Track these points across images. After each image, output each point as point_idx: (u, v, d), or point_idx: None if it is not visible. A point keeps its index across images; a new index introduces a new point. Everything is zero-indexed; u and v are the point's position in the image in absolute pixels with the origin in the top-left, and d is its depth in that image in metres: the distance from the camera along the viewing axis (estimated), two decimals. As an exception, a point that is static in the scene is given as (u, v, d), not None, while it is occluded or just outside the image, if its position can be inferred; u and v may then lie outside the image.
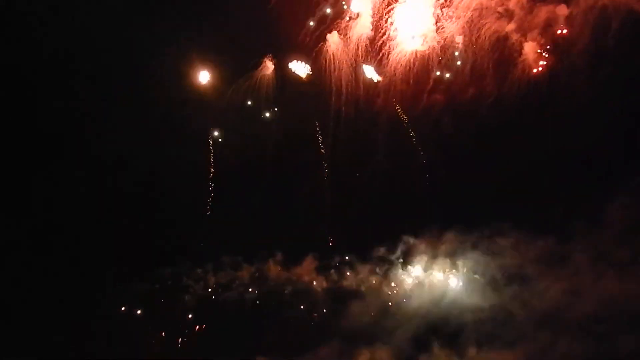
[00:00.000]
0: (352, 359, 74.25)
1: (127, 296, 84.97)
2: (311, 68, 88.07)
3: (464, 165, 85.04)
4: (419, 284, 79.75)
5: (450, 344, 73.07)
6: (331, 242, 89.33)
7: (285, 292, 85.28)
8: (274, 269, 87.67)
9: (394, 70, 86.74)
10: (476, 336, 72.33)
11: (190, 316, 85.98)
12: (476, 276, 76.53)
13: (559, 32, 79.95)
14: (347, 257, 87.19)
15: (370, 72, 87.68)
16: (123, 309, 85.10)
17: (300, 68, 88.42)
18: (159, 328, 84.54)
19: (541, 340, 68.29)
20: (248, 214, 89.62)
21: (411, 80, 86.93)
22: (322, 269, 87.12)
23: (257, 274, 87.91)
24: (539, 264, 73.26)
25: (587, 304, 67.15)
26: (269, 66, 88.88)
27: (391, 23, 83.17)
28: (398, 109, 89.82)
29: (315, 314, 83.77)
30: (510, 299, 73.22)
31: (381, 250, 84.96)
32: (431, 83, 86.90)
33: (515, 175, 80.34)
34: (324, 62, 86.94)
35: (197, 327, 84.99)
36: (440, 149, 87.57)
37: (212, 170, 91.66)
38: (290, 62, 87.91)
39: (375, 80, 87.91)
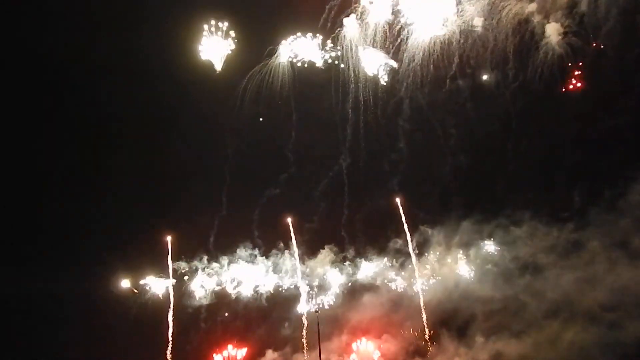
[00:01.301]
0: (358, 349, 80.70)
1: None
2: (328, 54, 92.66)
3: (484, 152, 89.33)
4: (433, 275, 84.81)
5: (459, 335, 78.72)
6: (347, 234, 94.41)
7: (299, 285, 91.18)
8: (289, 262, 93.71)
9: (414, 56, 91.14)
10: (485, 326, 77.71)
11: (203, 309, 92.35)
12: (489, 267, 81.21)
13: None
14: (362, 249, 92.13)
15: (388, 58, 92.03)
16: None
17: (317, 54, 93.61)
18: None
19: (550, 330, 73.24)
20: (263, 206, 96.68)
21: (431, 66, 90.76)
22: (337, 261, 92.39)
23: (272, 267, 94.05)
24: (553, 252, 77.46)
25: (600, 293, 71.54)
26: (284, 53, 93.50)
27: (410, 7, 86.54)
28: (418, 95, 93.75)
29: (326, 306, 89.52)
30: (522, 290, 77.60)
31: (398, 242, 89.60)
32: (453, 69, 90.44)
33: (534, 163, 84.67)
34: (342, 48, 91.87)
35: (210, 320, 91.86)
36: (462, 137, 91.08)
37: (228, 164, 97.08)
38: (307, 48, 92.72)
39: (394, 66, 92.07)
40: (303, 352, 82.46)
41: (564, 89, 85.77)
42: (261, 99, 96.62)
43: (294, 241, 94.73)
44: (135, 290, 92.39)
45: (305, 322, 79.50)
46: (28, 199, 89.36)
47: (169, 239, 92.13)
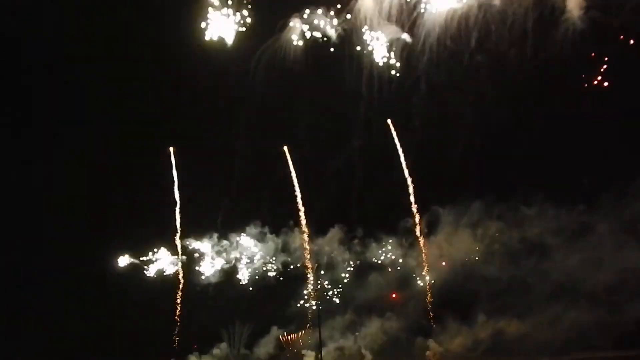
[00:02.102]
0: (364, 329, 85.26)
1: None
2: (342, 28, 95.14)
3: (499, 132, 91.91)
4: (439, 255, 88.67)
5: (462, 315, 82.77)
6: (357, 213, 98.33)
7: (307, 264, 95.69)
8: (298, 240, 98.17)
9: (430, 31, 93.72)
10: (489, 307, 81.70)
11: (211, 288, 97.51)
12: (497, 247, 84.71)
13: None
14: (372, 229, 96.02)
15: (403, 33, 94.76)
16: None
17: (330, 28, 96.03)
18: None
19: (552, 311, 76.90)
20: (275, 184, 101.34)
21: (448, 41, 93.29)
22: (346, 241, 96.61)
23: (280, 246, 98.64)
24: (561, 234, 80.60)
25: (604, 275, 74.84)
26: (296, 27, 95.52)
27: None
28: (433, 72, 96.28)
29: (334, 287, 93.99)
30: (528, 271, 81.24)
31: (409, 222, 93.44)
32: (470, 45, 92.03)
33: (549, 143, 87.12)
34: (356, 22, 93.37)
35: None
36: (477, 116, 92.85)
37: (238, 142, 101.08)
38: (319, 21, 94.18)
39: (409, 42, 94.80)
40: (307, 329, 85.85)
41: (586, 85, 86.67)
42: (273, 75, 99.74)
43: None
44: (145, 268, 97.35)
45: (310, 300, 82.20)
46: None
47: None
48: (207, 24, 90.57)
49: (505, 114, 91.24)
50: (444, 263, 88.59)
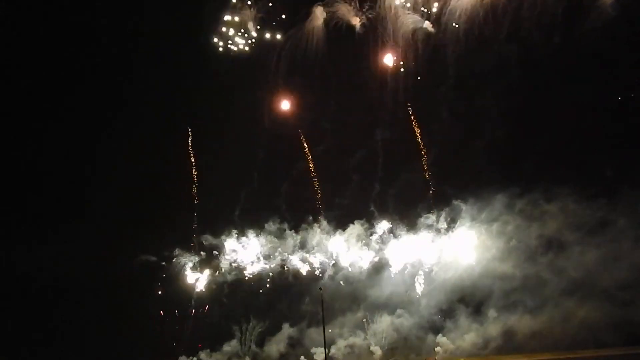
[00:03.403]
0: (373, 325, 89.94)
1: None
2: (365, 16, 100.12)
3: (523, 124, 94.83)
4: (457, 252, 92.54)
5: (475, 311, 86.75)
6: (378, 208, 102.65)
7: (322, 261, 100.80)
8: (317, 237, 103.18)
9: (456, 17, 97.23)
10: (502, 303, 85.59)
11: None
12: (515, 242, 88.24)
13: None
14: (392, 225, 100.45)
15: (427, 22, 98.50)
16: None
17: (354, 16, 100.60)
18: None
19: (564, 308, 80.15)
20: (297, 179, 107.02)
21: (475, 30, 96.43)
22: (365, 237, 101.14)
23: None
24: (580, 229, 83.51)
25: (619, 272, 77.76)
26: (319, 16, 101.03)
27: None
28: (459, 61, 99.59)
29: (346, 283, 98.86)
30: (543, 267, 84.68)
31: (430, 217, 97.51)
32: (496, 33, 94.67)
33: (572, 136, 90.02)
34: (380, 9, 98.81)
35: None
36: (502, 107, 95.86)
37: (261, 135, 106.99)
38: (342, 10, 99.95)
39: (432, 31, 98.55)
40: (318, 326, 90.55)
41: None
42: (296, 65, 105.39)
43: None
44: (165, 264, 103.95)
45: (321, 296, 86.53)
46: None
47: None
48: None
49: (532, 105, 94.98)
50: (461, 259, 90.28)
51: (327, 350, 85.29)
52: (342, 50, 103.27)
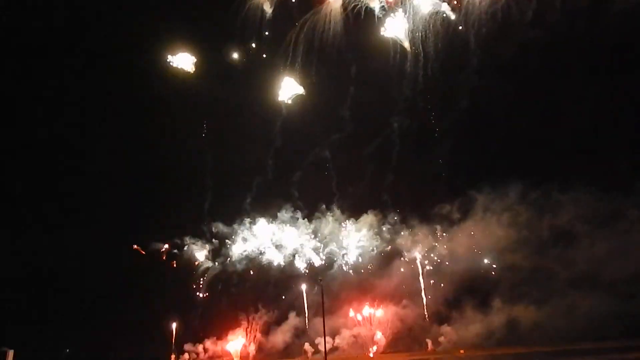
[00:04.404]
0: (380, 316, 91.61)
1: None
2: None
3: (542, 112, 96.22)
4: (467, 243, 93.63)
5: (481, 302, 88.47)
6: (391, 198, 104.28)
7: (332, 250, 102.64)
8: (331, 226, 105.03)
9: (477, 4, 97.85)
10: (509, 294, 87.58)
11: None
12: (526, 233, 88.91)
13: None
14: (406, 215, 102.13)
15: (444, 5, 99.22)
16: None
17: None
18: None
19: (568, 299, 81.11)
20: (311, 168, 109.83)
21: (497, 17, 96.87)
22: (378, 226, 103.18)
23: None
24: (592, 221, 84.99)
25: (628, 264, 78.54)
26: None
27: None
28: (479, 50, 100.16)
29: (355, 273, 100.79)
30: (553, 258, 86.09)
31: (444, 207, 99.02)
32: (523, 21, 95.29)
33: (593, 126, 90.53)
34: None
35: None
36: (521, 97, 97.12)
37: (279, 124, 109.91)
38: None
39: (452, 17, 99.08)
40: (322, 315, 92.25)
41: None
42: (313, 50, 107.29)
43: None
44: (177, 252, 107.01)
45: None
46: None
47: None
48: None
49: (553, 95, 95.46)
50: (471, 249, 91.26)
51: (332, 340, 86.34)
52: (360, 35, 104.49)
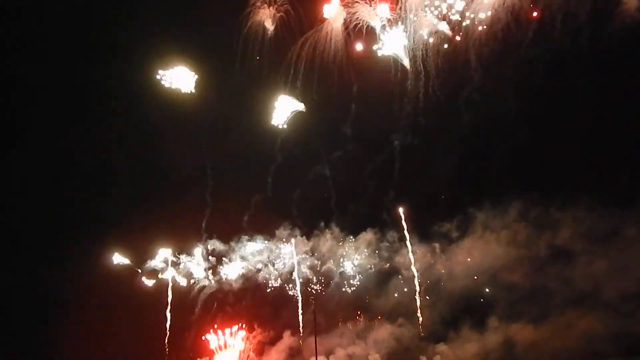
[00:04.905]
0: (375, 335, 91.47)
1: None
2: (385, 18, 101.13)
3: (544, 131, 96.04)
4: (466, 262, 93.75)
5: (477, 321, 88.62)
6: (390, 217, 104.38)
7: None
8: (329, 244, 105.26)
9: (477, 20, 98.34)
10: (506, 313, 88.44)
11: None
12: (524, 252, 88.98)
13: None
14: (405, 234, 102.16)
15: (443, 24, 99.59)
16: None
17: (374, 18, 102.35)
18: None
19: (565, 319, 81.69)
20: (311, 185, 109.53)
21: (498, 33, 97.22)
22: (376, 244, 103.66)
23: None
24: (591, 239, 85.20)
25: (625, 282, 78.67)
26: (338, 17, 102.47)
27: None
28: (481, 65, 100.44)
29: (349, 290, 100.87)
30: (551, 277, 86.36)
31: (444, 226, 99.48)
32: (521, 34, 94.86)
33: (597, 141, 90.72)
34: (402, 11, 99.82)
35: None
36: (523, 112, 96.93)
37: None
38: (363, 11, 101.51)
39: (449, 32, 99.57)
40: (319, 335, 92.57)
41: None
42: (314, 68, 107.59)
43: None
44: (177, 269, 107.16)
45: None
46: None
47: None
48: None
49: (556, 110, 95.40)
50: (469, 268, 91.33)
51: (327, 359, 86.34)
52: (360, 52, 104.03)
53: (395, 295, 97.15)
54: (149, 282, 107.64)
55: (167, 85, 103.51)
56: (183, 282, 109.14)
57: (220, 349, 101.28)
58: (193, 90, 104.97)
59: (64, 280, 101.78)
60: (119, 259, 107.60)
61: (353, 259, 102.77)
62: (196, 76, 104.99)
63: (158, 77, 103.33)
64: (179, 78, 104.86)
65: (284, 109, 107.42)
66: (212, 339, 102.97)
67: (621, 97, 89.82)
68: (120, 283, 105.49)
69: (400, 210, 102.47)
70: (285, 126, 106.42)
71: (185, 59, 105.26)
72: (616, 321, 78.05)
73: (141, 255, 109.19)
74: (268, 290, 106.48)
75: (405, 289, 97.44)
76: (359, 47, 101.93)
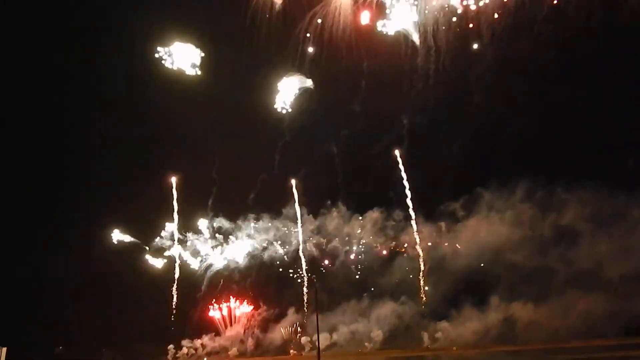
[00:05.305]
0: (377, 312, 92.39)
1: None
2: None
3: (555, 113, 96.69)
4: (470, 241, 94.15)
5: (479, 300, 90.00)
6: (397, 195, 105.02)
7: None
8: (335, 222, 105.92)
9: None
10: (508, 293, 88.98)
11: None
12: (529, 232, 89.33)
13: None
14: (411, 212, 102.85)
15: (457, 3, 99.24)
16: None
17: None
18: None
19: (567, 298, 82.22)
20: (318, 164, 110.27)
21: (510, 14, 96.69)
22: (382, 223, 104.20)
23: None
24: (595, 220, 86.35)
25: (627, 264, 79.82)
26: None
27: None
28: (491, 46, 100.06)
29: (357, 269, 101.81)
30: (554, 257, 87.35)
31: (451, 205, 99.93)
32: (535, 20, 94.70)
33: (605, 123, 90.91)
34: None
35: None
36: (534, 95, 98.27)
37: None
38: None
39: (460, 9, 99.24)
40: (323, 312, 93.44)
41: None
42: (322, 43, 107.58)
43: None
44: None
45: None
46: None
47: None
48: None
49: (566, 93, 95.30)
50: (473, 247, 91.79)
51: (330, 336, 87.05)
52: (370, 28, 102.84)
53: (399, 273, 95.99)
54: (155, 262, 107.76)
55: (168, 65, 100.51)
56: (190, 260, 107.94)
57: (226, 325, 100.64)
58: (199, 72, 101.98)
59: (68, 261, 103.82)
60: (120, 236, 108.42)
61: (359, 238, 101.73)
62: (202, 54, 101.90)
63: (157, 55, 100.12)
64: (182, 57, 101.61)
65: (290, 90, 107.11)
66: (218, 315, 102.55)
67: (629, 81, 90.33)
68: (125, 262, 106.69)
69: (407, 188, 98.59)
70: (289, 110, 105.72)
71: (188, 36, 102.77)
72: (615, 302, 79.12)
73: (148, 233, 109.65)
74: (274, 268, 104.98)
75: (409, 267, 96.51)
76: (365, 19, 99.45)
